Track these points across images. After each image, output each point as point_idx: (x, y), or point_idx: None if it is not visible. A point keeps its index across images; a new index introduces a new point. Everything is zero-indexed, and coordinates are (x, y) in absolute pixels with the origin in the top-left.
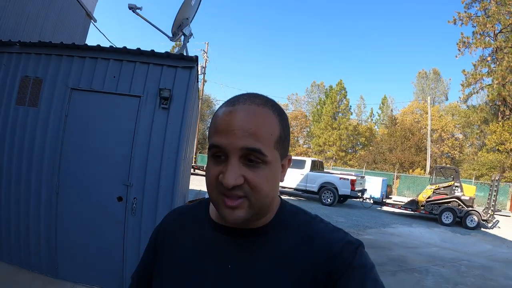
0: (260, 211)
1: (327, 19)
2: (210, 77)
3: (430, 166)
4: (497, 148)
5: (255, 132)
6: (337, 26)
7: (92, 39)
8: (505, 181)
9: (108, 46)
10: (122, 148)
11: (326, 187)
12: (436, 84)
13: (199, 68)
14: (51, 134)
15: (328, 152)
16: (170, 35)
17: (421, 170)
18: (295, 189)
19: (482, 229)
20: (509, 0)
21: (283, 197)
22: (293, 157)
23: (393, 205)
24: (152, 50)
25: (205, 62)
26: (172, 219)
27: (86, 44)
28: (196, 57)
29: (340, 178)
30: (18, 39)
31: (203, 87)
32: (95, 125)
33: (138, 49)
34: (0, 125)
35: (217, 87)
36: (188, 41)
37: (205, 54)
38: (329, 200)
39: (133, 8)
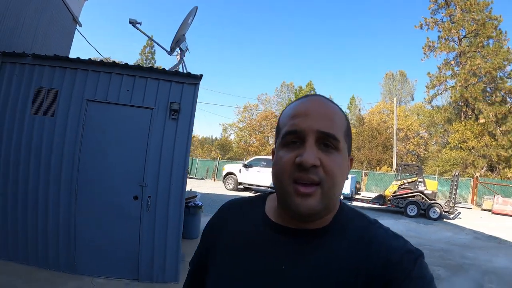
0: (329, 203)
1: (295, 19)
2: None
3: (396, 163)
4: (459, 146)
5: (330, 118)
6: (306, 27)
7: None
8: (467, 176)
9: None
10: (137, 153)
11: None
12: (403, 85)
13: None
14: (69, 141)
15: None
16: (168, 49)
17: (387, 167)
18: (269, 187)
19: (444, 219)
20: (473, 7)
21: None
22: (266, 157)
23: (362, 200)
24: (164, 69)
25: (180, 65)
26: (227, 210)
27: (102, 61)
28: (201, 75)
29: None
30: (14, 46)
31: None
32: (111, 133)
33: (151, 67)
34: (16, 131)
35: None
36: (184, 55)
37: (178, 55)
38: None
39: (133, 22)
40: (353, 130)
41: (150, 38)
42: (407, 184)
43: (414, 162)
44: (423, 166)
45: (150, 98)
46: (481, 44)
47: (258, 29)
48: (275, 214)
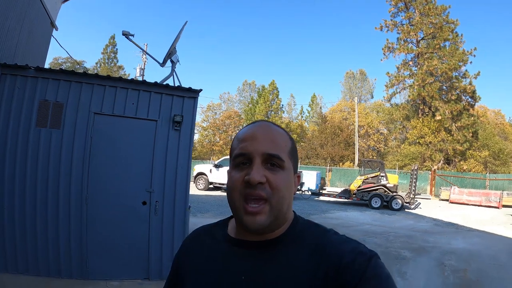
0: (278, 216)
1: (256, 18)
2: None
3: (358, 159)
4: (417, 141)
5: (274, 140)
6: (267, 25)
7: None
8: (426, 169)
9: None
10: (144, 162)
11: None
12: (363, 83)
13: (138, 70)
14: (77, 152)
15: None
16: (161, 61)
17: (350, 163)
18: None
19: (405, 210)
20: (431, 12)
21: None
22: None
23: (329, 195)
24: (167, 84)
25: (144, 64)
26: (191, 239)
27: (108, 75)
28: (200, 89)
29: None
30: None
31: None
32: (119, 144)
33: (155, 82)
34: (21, 143)
35: None
36: (175, 67)
37: (144, 56)
38: None
39: (126, 34)
40: (315, 127)
41: (144, 51)
42: (370, 178)
43: (375, 158)
44: (384, 161)
45: (154, 111)
46: (438, 46)
47: (218, 27)
48: (235, 231)
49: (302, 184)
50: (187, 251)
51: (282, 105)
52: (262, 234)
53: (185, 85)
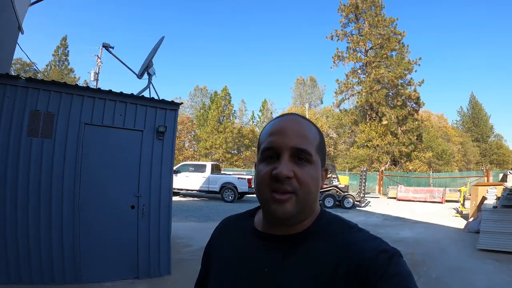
0: (305, 209)
1: (207, 24)
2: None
3: None
4: (365, 144)
5: (303, 135)
6: (218, 31)
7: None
8: (374, 170)
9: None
10: (132, 169)
11: (226, 186)
12: (313, 89)
13: (92, 75)
14: (69, 160)
15: (215, 155)
16: (138, 73)
17: None
18: (198, 190)
19: (357, 208)
20: (380, 23)
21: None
22: (193, 162)
23: None
24: (153, 98)
25: (99, 68)
26: (219, 230)
27: (99, 88)
28: (181, 102)
29: (239, 178)
30: None
31: None
32: (108, 152)
33: (142, 96)
34: (11, 153)
35: None
36: (151, 79)
37: (99, 59)
38: (230, 197)
39: (106, 46)
40: None
41: (122, 63)
42: None
43: (326, 161)
44: (335, 164)
45: (140, 122)
46: (385, 55)
47: (169, 32)
48: (262, 224)
49: None
50: (215, 242)
51: (234, 110)
52: (289, 224)
53: (134, 90)
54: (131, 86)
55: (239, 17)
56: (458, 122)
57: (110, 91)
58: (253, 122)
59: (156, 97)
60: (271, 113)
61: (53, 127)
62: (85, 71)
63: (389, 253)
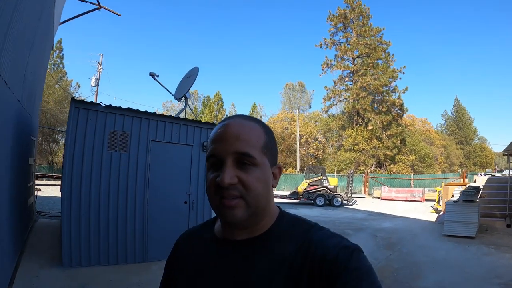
0: (257, 211)
1: (200, 27)
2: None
3: (300, 165)
4: (352, 148)
5: (244, 138)
6: (209, 36)
7: None
8: (360, 172)
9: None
10: (184, 174)
11: None
12: (301, 94)
13: (93, 80)
14: (140, 168)
15: None
16: (177, 97)
17: (293, 169)
18: None
19: (345, 206)
20: (367, 33)
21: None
22: None
23: (280, 197)
24: (200, 120)
25: (99, 74)
26: (181, 241)
27: (163, 114)
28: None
29: None
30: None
31: (96, 100)
32: (168, 161)
33: (192, 119)
34: (99, 162)
35: (110, 100)
36: (187, 102)
37: (100, 66)
38: None
39: (152, 75)
40: None
41: (165, 88)
42: (314, 181)
43: (314, 164)
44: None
45: (190, 138)
46: (371, 64)
47: (160, 36)
48: (221, 231)
49: None
50: (178, 253)
51: (227, 115)
52: (245, 228)
53: (118, 94)
54: (131, 91)
55: (231, 23)
56: (442, 126)
57: (170, 116)
58: None
59: (191, 114)
60: (261, 117)
61: (128, 143)
62: (76, 74)
63: (350, 249)
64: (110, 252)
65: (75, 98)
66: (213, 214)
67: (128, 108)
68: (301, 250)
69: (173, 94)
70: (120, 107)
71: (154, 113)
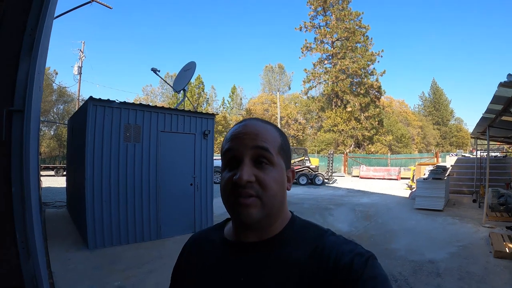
0: (271, 212)
1: (179, 11)
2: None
3: None
4: (332, 129)
5: (262, 135)
6: (189, 18)
7: None
8: (339, 152)
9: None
10: (189, 159)
11: (215, 170)
12: (281, 76)
13: (76, 68)
14: (152, 156)
15: None
16: (176, 89)
17: None
18: None
19: (326, 184)
20: (346, 17)
21: None
22: None
23: None
24: (202, 112)
25: (81, 61)
26: (189, 245)
27: (170, 107)
28: (217, 113)
29: None
30: None
31: (79, 88)
32: (175, 149)
33: (196, 111)
34: (117, 153)
35: (93, 87)
36: (186, 94)
37: (82, 53)
38: (218, 179)
39: (154, 70)
40: (237, 118)
41: (166, 81)
42: (297, 162)
43: (295, 145)
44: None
45: (193, 128)
46: (350, 47)
47: (139, 18)
48: (232, 233)
49: None
50: (186, 257)
51: (207, 98)
52: (258, 230)
53: (101, 81)
54: (114, 78)
55: (209, 4)
56: (419, 107)
57: (175, 109)
58: (223, 108)
59: (191, 105)
60: (241, 99)
61: (141, 134)
62: (58, 63)
63: (364, 256)
64: (129, 233)
65: (93, 97)
66: (216, 194)
67: (140, 104)
68: (314, 256)
69: (173, 87)
70: (133, 102)
71: (162, 107)
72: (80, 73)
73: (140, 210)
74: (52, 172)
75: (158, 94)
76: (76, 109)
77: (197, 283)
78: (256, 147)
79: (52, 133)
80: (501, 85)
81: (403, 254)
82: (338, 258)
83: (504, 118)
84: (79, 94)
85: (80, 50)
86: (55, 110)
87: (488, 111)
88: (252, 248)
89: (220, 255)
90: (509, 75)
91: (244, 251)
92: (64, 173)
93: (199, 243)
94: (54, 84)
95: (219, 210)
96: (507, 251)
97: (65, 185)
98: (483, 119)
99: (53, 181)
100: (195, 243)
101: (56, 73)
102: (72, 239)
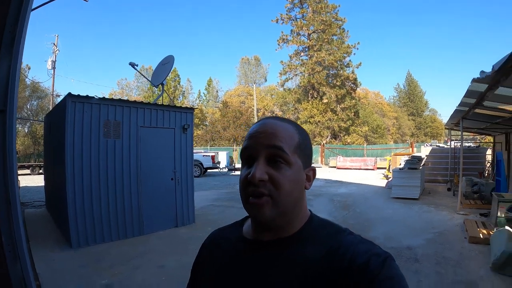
0: (285, 211)
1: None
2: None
3: None
4: (308, 120)
5: (278, 134)
6: (162, 9)
7: None
8: (316, 143)
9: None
10: (169, 154)
11: (194, 163)
12: (257, 68)
13: (50, 63)
14: (132, 152)
15: None
16: (155, 84)
17: None
18: None
19: None
20: (323, 10)
21: None
22: None
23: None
24: (181, 106)
25: (55, 55)
26: (208, 243)
27: (149, 102)
28: (196, 107)
29: (204, 155)
30: None
31: (53, 83)
32: (155, 144)
33: (175, 105)
34: (97, 149)
35: (68, 82)
36: (163, 88)
37: (56, 47)
38: (196, 173)
39: (132, 64)
40: (213, 110)
41: (145, 77)
42: None
43: None
44: None
45: (173, 122)
46: (326, 40)
47: (113, 10)
48: (250, 231)
49: (219, 163)
50: (204, 255)
51: (183, 91)
52: (274, 228)
53: (74, 77)
54: (89, 72)
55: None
56: (395, 98)
57: (155, 104)
58: (200, 101)
59: (169, 99)
60: (217, 91)
61: (121, 130)
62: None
63: (382, 256)
64: (113, 230)
65: (72, 93)
66: (196, 188)
67: (120, 99)
68: (328, 254)
69: (151, 82)
70: (112, 98)
71: (141, 102)
72: (54, 68)
73: (122, 207)
74: (28, 171)
75: (134, 88)
76: (51, 104)
77: (213, 281)
78: (270, 146)
79: (26, 131)
80: (474, 80)
81: (382, 242)
82: (353, 257)
83: (477, 110)
84: (53, 89)
85: (54, 44)
86: (28, 107)
87: (462, 104)
88: (265, 247)
89: (235, 254)
90: (481, 72)
91: (258, 249)
92: (41, 171)
93: (216, 241)
94: (27, 80)
95: (200, 203)
96: (481, 236)
97: (43, 184)
98: (456, 111)
99: (30, 180)
100: (213, 241)
101: (29, 68)
102: (54, 239)
